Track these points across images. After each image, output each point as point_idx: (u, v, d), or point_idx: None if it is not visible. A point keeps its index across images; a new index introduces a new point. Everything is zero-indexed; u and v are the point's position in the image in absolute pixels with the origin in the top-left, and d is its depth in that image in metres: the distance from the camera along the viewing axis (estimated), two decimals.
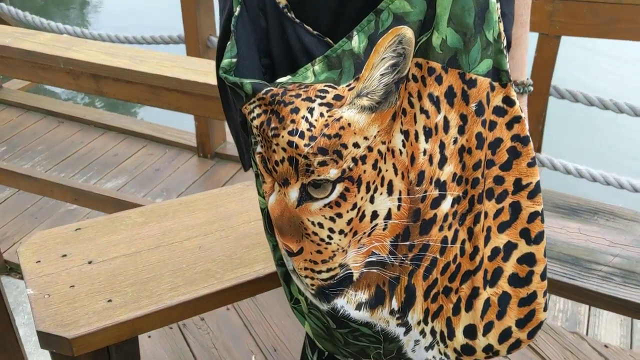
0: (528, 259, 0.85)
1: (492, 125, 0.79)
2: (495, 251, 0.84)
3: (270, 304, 1.99)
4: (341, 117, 0.71)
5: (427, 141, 0.76)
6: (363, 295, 0.80)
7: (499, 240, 0.84)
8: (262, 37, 0.77)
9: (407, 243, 0.79)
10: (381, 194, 0.76)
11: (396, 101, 0.73)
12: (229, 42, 0.76)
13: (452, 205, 0.79)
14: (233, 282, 1.24)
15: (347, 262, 0.78)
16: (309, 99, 0.71)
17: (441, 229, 0.79)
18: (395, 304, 0.81)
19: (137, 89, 2.15)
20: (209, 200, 1.49)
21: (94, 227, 1.38)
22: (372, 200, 0.76)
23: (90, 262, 1.28)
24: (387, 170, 0.76)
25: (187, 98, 2.07)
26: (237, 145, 1.02)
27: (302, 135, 0.71)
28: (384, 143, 0.74)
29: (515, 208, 0.83)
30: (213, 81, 2.02)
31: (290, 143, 0.72)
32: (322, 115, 0.71)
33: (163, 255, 1.31)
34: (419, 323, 0.84)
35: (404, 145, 0.76)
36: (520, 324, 0.86)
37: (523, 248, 0.85)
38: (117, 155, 3.55)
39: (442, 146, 0.77)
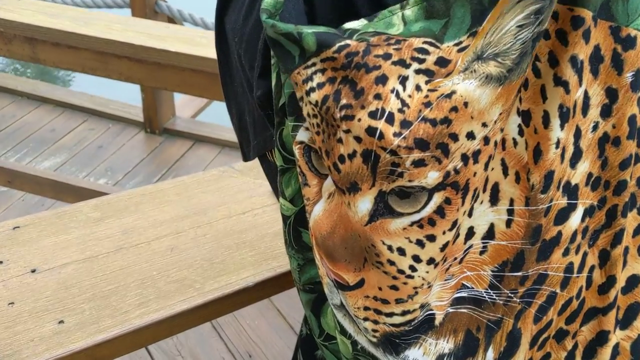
0: None
1: None
2: (632, 281, 0.63)
3: None
4: (453, 93, 0.47)
5: (562, 127, 0.53)
6: (446, 345, 0.57)
7: (639, 266, 0.64)
8: None
9: (519, 274, 0.56)
10: (482, 202, 0.53)
11: (526, 68, 0.49)
12: None
13: (583, 219, 0.58)
14: (216, 294, 1.01)
15: (429, 300, 0.55)
16: (402, 63, 0.47)
17: (566, 252, 0.57)
18: (490, 356, 0.59)
19: (81, 56, 1.86)
20: (179, 190, 1.24)
21: (37, 225, 1.12)
22: (470, 213, 0.53)
23: (33, 271, 1.02)
24: (492, 169, 0.53)
25: (140, 67, 1.80)
26: (239, 128, 0.77)
27: (390, 119, 0.47)
28: (501, 130, 0.51)
29: None
30: (171, 47, 1.75)
31: (370, 131, 0.47)
32: (418, 88, 0.47)
33: (127, 260, 1.06)
34: None
35: (520, 133, 0.53)
36: None
37: None
38: (55, 131, 3.23)
39: (577, 134, 0.54)
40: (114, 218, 1.15)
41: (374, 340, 0.57)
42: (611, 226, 0.59)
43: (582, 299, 0.60)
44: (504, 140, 0.52)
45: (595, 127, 0.54)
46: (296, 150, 0.56)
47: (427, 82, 0.47)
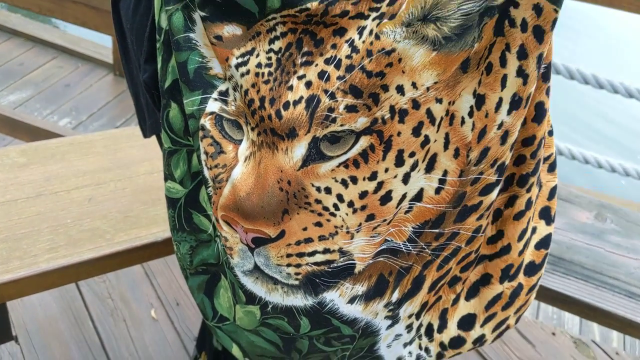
0: (545, 242, 0.73)
1: None
2: (526, 243, 0.72)
3: None
4: (393, 51, 0.52)
5: (509, 112, 0.58)
6: (361, 288, 0.64)
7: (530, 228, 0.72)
8: None
9: (436, 231, 0.62)
10: (419, 171, 0.58)
11: (473, 43, 0.53)
12: None
13: (499, 193, 0.65)
14: (124, 246, 1.07)
15: (350, 250, 0.61)
16: (361, 16, 0.52)
17: (480, 217, 0.64)
18: (395, 296, 0.66)
19: None
20: (107, 142, 1.29)
21: None
22: (405, 180, 0.57)
23: None
24: (435, 141, 0.57)
25: (95, 13, 1.82)
26: (136, 106, 0.82)
27: (338, 65, 0.53)
28: (439, 102, 0.55)
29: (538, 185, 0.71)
30: None
31: (321, 74, 0.53)
32: (371, 33, 0.52)
33: (44, 206, 1.12)
34: (409, 316, 0.70)
35: (470, 114, 0.57)
36: (518, 310, 0.75)
37: (542, 230, 0.73)
38: (23, 65, 3.22)
39: (524, 123, 0.61)
40: (39, 164, 1.20)
41: (296, 283, 0.63)
42: (507, 190, 0.67)
43: (478, 252, 0.69)
44: (452, 116, 0.57)
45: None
46: (207, 121, 0.60)
47: (377, 25, 0.52)
